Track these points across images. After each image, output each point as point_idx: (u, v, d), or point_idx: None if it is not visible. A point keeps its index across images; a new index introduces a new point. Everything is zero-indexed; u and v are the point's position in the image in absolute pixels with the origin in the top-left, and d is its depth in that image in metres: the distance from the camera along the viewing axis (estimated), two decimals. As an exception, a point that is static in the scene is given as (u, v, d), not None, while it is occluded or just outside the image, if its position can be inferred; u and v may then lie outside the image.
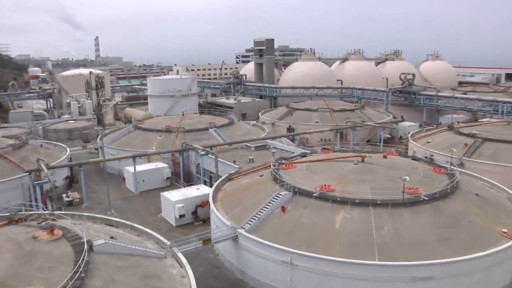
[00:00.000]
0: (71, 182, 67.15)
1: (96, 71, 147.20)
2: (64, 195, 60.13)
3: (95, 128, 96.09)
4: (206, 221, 50.47)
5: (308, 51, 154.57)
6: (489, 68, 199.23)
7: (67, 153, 71.24)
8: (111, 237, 34.26)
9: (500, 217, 40.96)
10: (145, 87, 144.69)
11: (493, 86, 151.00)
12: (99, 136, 75.21)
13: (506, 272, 36.72)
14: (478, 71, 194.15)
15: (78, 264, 27.76)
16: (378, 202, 38.84)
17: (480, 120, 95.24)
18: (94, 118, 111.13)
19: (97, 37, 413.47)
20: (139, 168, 63.80)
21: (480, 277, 34.61)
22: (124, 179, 66.82)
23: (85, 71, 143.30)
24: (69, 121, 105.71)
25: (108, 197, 56.80)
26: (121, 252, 32.15)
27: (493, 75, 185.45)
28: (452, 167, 48.70)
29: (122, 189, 65.01)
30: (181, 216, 50.97)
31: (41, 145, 74.69)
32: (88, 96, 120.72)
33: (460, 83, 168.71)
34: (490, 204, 43.42)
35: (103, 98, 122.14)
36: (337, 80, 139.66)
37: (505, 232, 37.49)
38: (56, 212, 40.92)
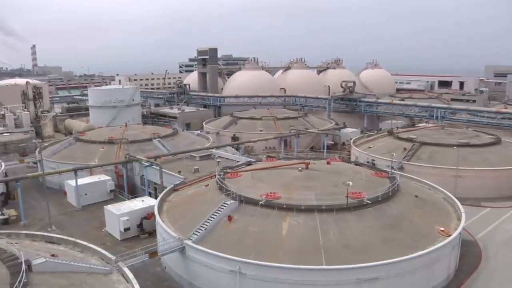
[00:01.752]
0: (7, 198, 63.81)
1: (33, 81, 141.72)
2: (-1, 213, 57.13)
3: (33, 141, 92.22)
4: (152, 233, 49.49)
5: (251, 60, 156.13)
6: (424, 76, 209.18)
7: (2, 168, 67.97)
8: (52, 255, 33.01)
9: (437, 217, 43.17)
10: (86, 98, 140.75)
11: (428, 93, 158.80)
12: (38, 149, 72.33)
13: (444, 267, 38.64)
14: (414, 78, 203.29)
15: (14, 286, 26.38)
16: (323, 208, 39.58)
17: (417, 125, 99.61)
18: (32, 131, 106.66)
19: (34, 46, 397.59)
20: (81, 181, 61.82)
21: (422, 274, 36.20)
22: (65, 193, 64.44)
23: (21, 81, 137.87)
24: (4, 134, 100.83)
25: (48, 212, 54.51)
26: (64, 270, 31.02)
27: (428, 82, 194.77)
28: (392, 170, 50.62)
29: (63, 204, 62.62)
30: (126, 229, 49.77)
31: (-27, 161, 70.91)
32: (25, 108, 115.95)
33: (398, 90, 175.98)
34: (428, 205, 45.62)
35: (41, 110, 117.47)
36: (280, 88, 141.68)
37: (442, 231, 39.57)
38: (-10, 231, 38.88)
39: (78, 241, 38.69)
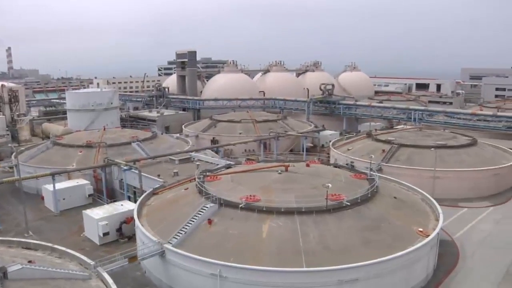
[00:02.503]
0: (-17, 204, 62.72)
1: (9, 84, 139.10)
2: (-27, 219, 55.95)
3: (9, 145, 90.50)
4: (131, 237, 49.02)
5: (230, 63, 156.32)
6: (402, 78, 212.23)
7: (-23, 173, 66.60)
8: (29, 261, 32.38)
9: (416, 217, 43.70)
10: (64, 101, 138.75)
11: (406, 95, 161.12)
12: (14, 154, 71.01)
13: (423, 267, 39.13)
14: (392, 81, 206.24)
15: (-11, 294, 25.89)
16: (303, 210, 39.72)
17: (395, 127, 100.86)
18: (8, 135, 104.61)
19: (9, 48, 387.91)
20: (59, 186, 60.87)
21: (401, 275, 36.62)
22: (43, 198, 63.42)
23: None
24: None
25: (25, 218, 53.54)
26: (41, 277, 30.45)
27: (406, 85, 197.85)
28: (371, 172, 51.07)
29: (41, 209, 61.57)
30: (105, 234, 49.20)
31: None
32: (0, 111, 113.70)
33: (376, 92, 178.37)
34: (407, 206, 46.16)
35: (17, 113, 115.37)
36: (260, 91, 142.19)
37: (421, 231, 40.06)
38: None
39: (56, 246, 38.04)
